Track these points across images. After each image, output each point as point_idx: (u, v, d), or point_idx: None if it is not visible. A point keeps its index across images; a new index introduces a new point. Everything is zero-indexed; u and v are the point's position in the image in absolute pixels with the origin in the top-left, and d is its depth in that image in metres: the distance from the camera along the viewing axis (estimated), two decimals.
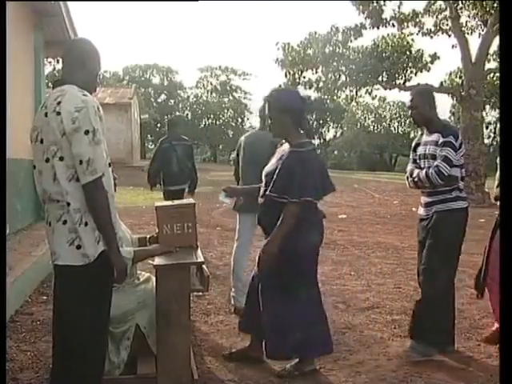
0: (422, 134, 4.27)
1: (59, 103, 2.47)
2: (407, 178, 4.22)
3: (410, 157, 4.29)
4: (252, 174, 4.50)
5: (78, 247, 2.48)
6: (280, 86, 21.11)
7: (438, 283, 3.95)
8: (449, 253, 3.98)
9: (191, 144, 8.23)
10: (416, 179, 4.09)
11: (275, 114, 3.65)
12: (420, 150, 4.15)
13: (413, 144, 4.31)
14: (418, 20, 19.25)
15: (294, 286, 3.59)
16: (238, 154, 5.22)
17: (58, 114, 2.45)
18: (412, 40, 19.83)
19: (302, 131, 3.70)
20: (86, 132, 2.42)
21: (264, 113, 3.84)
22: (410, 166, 4.25)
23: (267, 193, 3.58)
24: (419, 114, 4.15)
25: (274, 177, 3.55)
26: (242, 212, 4.97)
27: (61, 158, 2.46)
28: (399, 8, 19.00)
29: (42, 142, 2.52)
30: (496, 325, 4.27)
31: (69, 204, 2.47)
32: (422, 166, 4.10)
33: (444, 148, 3.93)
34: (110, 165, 2.64)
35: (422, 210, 4.15)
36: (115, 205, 2.65)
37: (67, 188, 2.47)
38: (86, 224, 2.48)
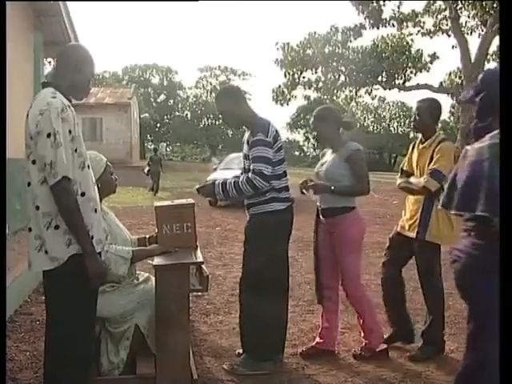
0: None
1: (31, 107, 2.52)
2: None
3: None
4: None
5: (46, 252, 2.49)
6: (280, 86, 21.12)
7: (255, 295, 3.62)
8: (261, 261, 3.55)
9: None
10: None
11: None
12: (244, 148, 3.77)
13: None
14: (417, 20, 19.29)
15: None
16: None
17: (27, 117, 2.49)
18: (411, 40, 19.90)
19: None
20: (48, 135, 2.42)
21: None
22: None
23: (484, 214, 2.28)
24: (230, 116, 3.74)
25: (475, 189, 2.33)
26: None
27: (33, 162, 2.48)
28: (399, 8, 19.05)
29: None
30: (317, 339, 4.05)
31: (38, 207, 2.48)
32: (244, 166, 3.75)
33: (256, 148, 3.53)
34: (88, 167, 2.62)
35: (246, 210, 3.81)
36: (97, 207, 2.62)
37: (38, 191, 2.48)
38: (57, 227, 2.47)
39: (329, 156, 3.99)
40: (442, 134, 4.08)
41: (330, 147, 4.02)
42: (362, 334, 4.02)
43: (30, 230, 2.55)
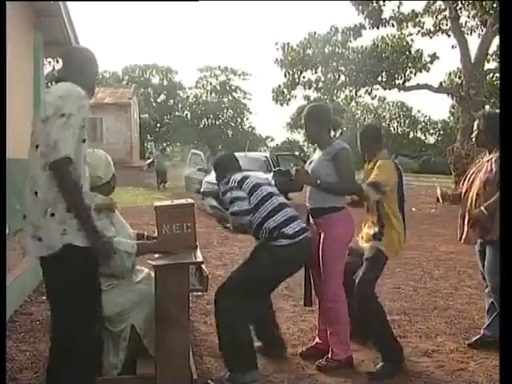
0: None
1: (48, 93, 2.59)
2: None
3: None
4: None
5: (41, 239, 2.50)
6: (280, 86, 21.13)
7: (225, 310, 3.57)
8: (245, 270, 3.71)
9: None
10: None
11: None
12: None
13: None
14: (417, 20, 19.29)
15: None
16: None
17: (45, 102, 2.54)
18: (411, 40, 19.87)
19: None
20: (62, 115, 2.45)
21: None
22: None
23: None
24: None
25: None
26: None
27: (37, 146, 2.50)
28: (399, 8, 19.05)
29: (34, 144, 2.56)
30: (316, 339, 4.05)
31: (36, 193, 2.49)
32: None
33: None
34: (87, 162, 2.64)
35: None
36: (91, 203, 2.63)
37: (38, 177, 2.49)
38: (53, 215, 2.47)
39: (316, 154, 3.91)
40: (382, 154, 4.02)
41: (317, 145, 3.91)
42: (330, 345, 3.78)
43: (24, 217, 2.56)
